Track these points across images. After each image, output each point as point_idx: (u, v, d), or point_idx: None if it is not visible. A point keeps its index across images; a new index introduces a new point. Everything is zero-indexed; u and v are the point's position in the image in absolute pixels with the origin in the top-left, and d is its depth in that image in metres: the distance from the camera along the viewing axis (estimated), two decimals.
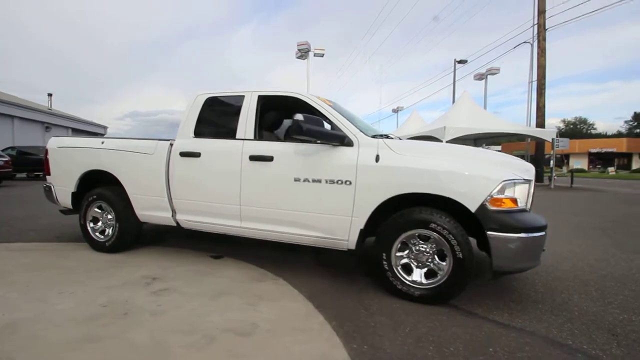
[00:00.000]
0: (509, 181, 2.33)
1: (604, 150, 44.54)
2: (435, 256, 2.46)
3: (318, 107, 2.86)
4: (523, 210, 2.40)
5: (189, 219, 3.24)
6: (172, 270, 3.04)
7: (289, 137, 3.54)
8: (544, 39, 16.40)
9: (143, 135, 3.79)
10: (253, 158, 2.89)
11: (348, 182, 2.58)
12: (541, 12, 16.29)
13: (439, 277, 2.43)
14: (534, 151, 17.96)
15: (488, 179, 2.32)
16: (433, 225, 2.38)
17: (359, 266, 3.35)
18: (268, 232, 2.93)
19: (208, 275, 2.94)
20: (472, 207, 2.31)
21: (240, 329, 2.02)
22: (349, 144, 2.66)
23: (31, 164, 15.58)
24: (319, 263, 3.41)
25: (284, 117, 3.68)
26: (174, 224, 3.35)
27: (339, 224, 2.64)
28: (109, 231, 3.62)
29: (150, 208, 3.39)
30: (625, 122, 62.94)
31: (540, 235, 2.36)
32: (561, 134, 15.96)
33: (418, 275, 2.50)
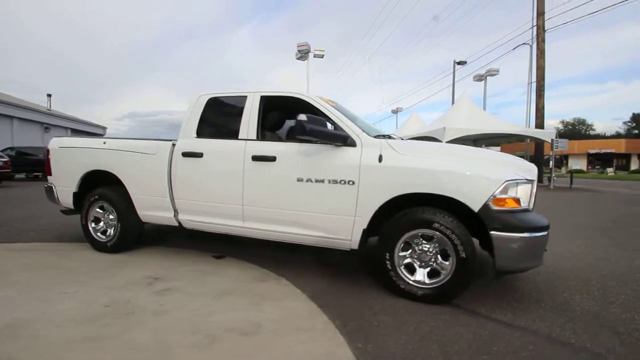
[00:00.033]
0: (512, 181, 2.34)
1: (603, 151, 44.67)
2: (438, 256, 2.46)
3: (321, 108, 2.87)
4: (526, 210, 2.41)
5: (191, 219, 3.24)
6: (174, 270, 3.04)
7: (291, 137, 3.56)
8: (543, 41, 16.44)
9: (142, 135, 3.79)
10: (256, 158, 2.90)
11: (351, 182, 2.59)
12: (540, 13, 16.34)
13: (442, 276, 2.44)
14: (534, 152, 17.99)
15: (491, 179, 2.33)
16: (436, 225, 2.38)
17: (361, 266, 3.35)
18: (271, 232, 2.93)
19: (210, 275, 2.94)
20: (475, 207, 2.32)
21: (244, 329, 2.02)
22: (352, 144, 2.66)
23: (30, 165, 15.56)
24: (320, 263, 3.42)
25: (286, 118, 3.69)
26: (176, 224, 3.35)
27: (342, 224, 2.64)
28: (110, 231, 3.61)
29: (152, 208, 3.39)
30: (624, 123, 63.26)
31: (543, 235, 2.37)
32: (560, 135, 16.01)
33: (421, 274, 2.50)
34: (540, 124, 16.37)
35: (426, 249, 2.49)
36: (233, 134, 3.10)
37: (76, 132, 28.78)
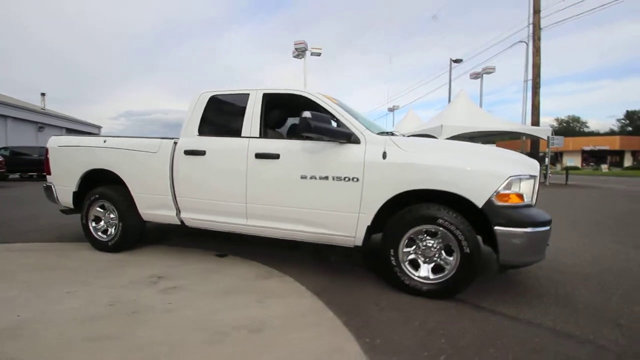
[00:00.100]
0: (515, 177, 2.36)
1: (597, 148, 45.05)
2: (442, 251, 2.48)
3: (324, 105, 2.87)
4: (529, 206, 2.44)
5: (193, 218, 3.24)
6: (177, 269, 3.03)
7: (296, 134, 3.56)
8: (539, 39, 16.54)
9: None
10: (259, 156, 2.89)
11: (355, 179, 2.60)
12: (536, 11, 16.44)
13: (446, 272, 2.46)
14: (529, 149, 18.13)
15: (495, 175, 2.35)
16: (440, 220, 2.40)
17: (365, 262, 3.37)
18: (274, 230, 2.93)
19: (214, 273, 2.94)
20: (479, 203, 2.34)
21: (252, 326, 2.02)
22: (356, 141, 2.67)
23: (25, 165, 15.43)
24: (323, 260, 3.43)
25: (288, 116, 3.68)
26: (179, 223, 3.35)
27: (346, 220, 2.65)
28: (111, 230, 3.59)
29: (154, 207, 3.38)
30: (618, 120, 63.85)
31: (546, 230, 2.40)
32: (555, 132, 16.13)
33: (425, 270, 2.52)
34: (536, 122, 16.49)
35: (430, 245, 2.51)
36: (235, 131, 3.10)
37: (71, 132, 28.54)
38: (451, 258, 2.45)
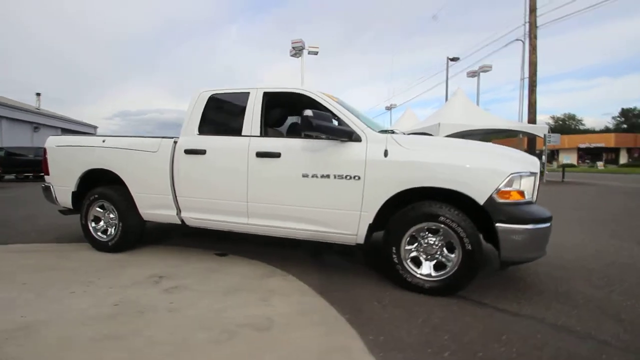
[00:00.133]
0: (516, 174, 2.38)
1: (593, 145, 45.37)
2: (444, 249, 2.50)
3: (325, 104, 2.87)
4: (529, 202, 2.45)
5: (194, 217, 3.23)
6: (179, 269, 3.02)
7: (293, 133, 3.56)
8: (535, 37, 16.62)
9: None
10: (260, 155, 2.89)
11: (357, 177, 2.60)
12: (532, 10, 16.51)
13: (448, 269, 2.47)
14: (526, 147, 18.22)
15: (496, 172, 2.36)
16: (442, 218, 2.41)
17: (366, 260, 3.38)
18: (276, 229, 2.93)
19: (217, 273, 2.93)
20: (481, 200, 2.35)
21: (258, 324, 2.02)
22: (357, 139, 2.67)
23: (20, 165, 15.31)
24: (324, 258, 3.43)
25: (288, 114, 3.68)
26: (179, 222, 3.34)
27: (348, 218, 2.66)
28: (111, 230, 3.58)
29: (154, 206, 3.37)
30: (613, 117, 64.32)
31: (547, 226, 2.41)
32: (551, 130, 16.23)
33: (427, 267, 2.53)
34: (532, 119, 16.58)
35: (432, 242, 2.52)
36: (236, 130, 3.09)
37: (66, 132, 28.31)
38: (453, 255, 2.46)
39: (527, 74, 17.15)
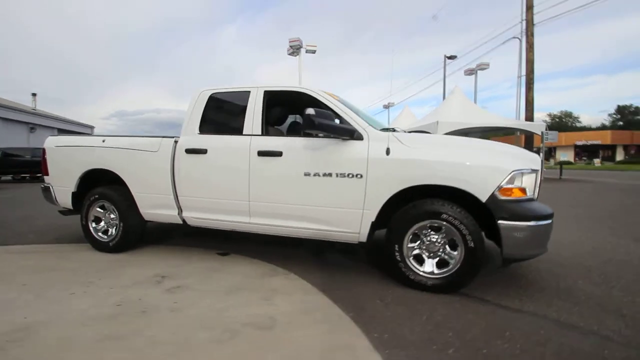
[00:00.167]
0: (518, 171, 2.39)
1: (590, 142, 45.61)
2: (447, 246, 2.50)
3: (326, 102, 2.86)
4: (531, 200, 2.46)
5: (196, 217, 3.22)
6: (181, 268, 3.02)
7: (294, 131, 3.55)
8: (532, 34, 16.65)
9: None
10: (262, 153, 2.89)
11: (359, 176, 2.60)
12: (529, 7, 16.54)
13: (451, 266, 2.48)
14: (524, 144, 18.28)
15: (498, 170, 2.37)
16: (444, 215, 2.42)
17: (368, 258, 3.38)
18: (278, 228, 2.93)
19: (218, 272, 2.93)
20: (483, 197, 2.36)
21: (261, 323, 2.02)
22: (359, 137, 2.67)
23: (17, 166, 15.20)
24: (326, 257, 3.44)
25: (289, 113, 3.67)
26: (180, 222, 3.33)
27: (351, 217, 2.66)
28: (112, 231, 3.56)
29: (155, 206, 3.36)
30: (609, 115, 64.64)
31: (548, 223, 2.43)
32: (548, 127, 16.29)
33: (430, 265, 2.54)
34: (530, 117, 16.62)
35: (434, 240, 2.52)
36: (237, 129, 3.08)
37: (63, 132, 28.14)
38: (455, 252, 2.47)
39: (524, 72, 17.22)
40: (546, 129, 15.21)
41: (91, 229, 3.61)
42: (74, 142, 3.75)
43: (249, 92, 3.13)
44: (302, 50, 18.55)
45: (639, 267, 3.14)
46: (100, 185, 3.64)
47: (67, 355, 1.72)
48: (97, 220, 3.63)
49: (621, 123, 59.34)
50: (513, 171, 2.37)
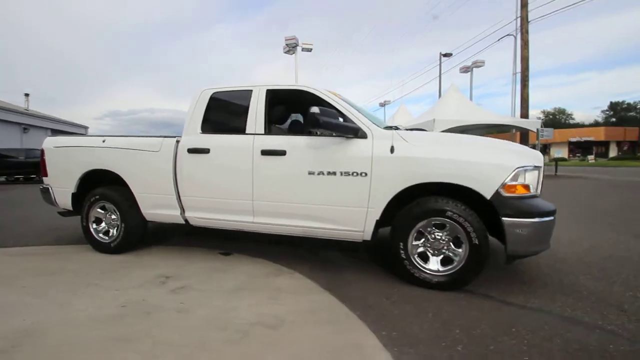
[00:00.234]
0: (521, 168, 2.41)
1: (584, 139, 46.04)
2: (451, 243, 2.52)
3: (330, 101, 2.86)
4: (534, 196, 2.49)
5: (199, 216, 3.21)
6: (184, 269, 3.01)
7: (295, 130, 3.55)
8: (527, 32, 16.75)
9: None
10: (265, 152, 2.88)
11: (364, 174, 2.61)
12: (524, 5, 16.62)
13: (455, 263, 2.50)
14: (519, 141, 18.41)
15: (502, 167, 2.39)
16: (449, 213, 2.43)
17: (372, 256, 3.39)
18: (282, 227, 2.93)
19: (222, 272, 2.92)
20: (488, 194, 2.37)
21: (270, 323, 2.03)
22: (363, 136, 2.68)
23: (11, 167, 15.01)
24: (329, 256, 3.44)
25: (291, 112, 3.67)
26: (183, 222, 3.31)
27: (355, 215, 2.67)
28: (113, 232, 3.54)
29: (157, 206, 3.34)
30: (602, 111, 65.31)
31: (551, 220, 2.45)
32: (543, 124, 16.43)
33: (434, 262, 2.55)
34: (525, 114, 16.74)
35: (439, 237, 2.54)
36: (239, 128, 3.07)
37: (56, 133, 27.82)
38: (460, 250, 2.48)
39: (519, 69, 17.32)
40: (541, 126, 15.35)
41: (92, 230, 3.58)
42: (74, 142, 3.71)
43: (251, 90, 3.12)
44: (299, 49, 18.50)
45: (638, 262, 3.18)
46: (101, 185, 3.61)
47: (75, 357, 1.70)
48: (98, 221, 3.60)
49: (614, 119, 59.99)
50: (517, 168, 2.39)
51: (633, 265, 3.08)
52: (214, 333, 1.91)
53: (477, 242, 2.39)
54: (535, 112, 64.15)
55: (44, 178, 3.82)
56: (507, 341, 1.84)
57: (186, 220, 3.29)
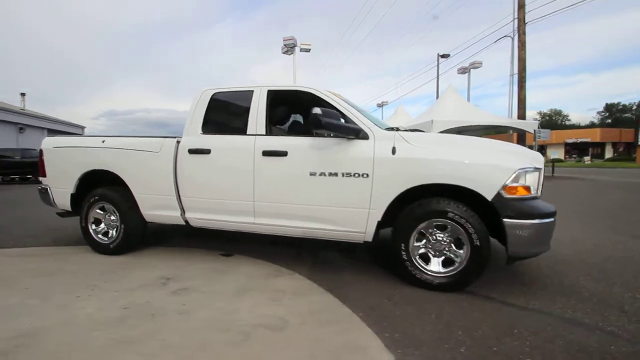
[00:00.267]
0: (522, 170, 2.42)
1: (580, 140, 46.33)
2: (452, 245, 2.53)
3: (331, 102, 2.86)
4: (535, 198, 2.50)
5: (199, 217, 3.20)
6: (184, 270, 3.00)
7: (295, 131, 3.55)
8: (524, 33, 16.83)
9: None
10: (266, 153, 2.88)
11: (365, 175, 2.61)
12: (521, 6, 16.71)
13: (457, 264, 2.50)
14: (516, 143, 18.50)
15: (503, 168, 2.40)
16: (450, 214, 2.44)
17: (372, 257, 3.39)
18: (283, 228, 2.92)
19: (223, 273, 2.92)
20: (489, 196, 2.38)
21: (272, 324, 2.02)
22: (365, 137, 2.68)
23: (7, 167, 14.88)
24: (330, 257, 3.44)
25: (292, 112, 3.66)
26: (183, 223, 3.30)
27: (357, 216, 2.67)
28: (112, 233, 3.52)
29: (157, 207, 3.32)
30: (598, 112, 65.83)
31: (551, 221, 2.47)
32: (539, 125, 16.52)
33: (436, 263, 2.56)
34: (522, 115, 16.82)
35: (440, 238, 2.54)
36: (240, 129, 3.07)
37: (53, 132, 27.62)
38: (461, 251, 2.49)
39: (516, 70, 17.40)
40: (538, 127, 15.44)
41: (91, 231, 3.56)
42: (73, 142, 3.69)
43: (252, 91, 3.11)
44: (297, 49, 18.50)
45: (638, 263, 3.20)
46: (100, 186, 3.59)
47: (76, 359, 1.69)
48: (97, 222, 3.58)
49: (609, 121, 60.47)
50: (518, 170, 2.40)
51: (633, 267, 3.10)
52: (215, 335, 1.91)
53: (478, 244, 2.40)
54: (531, 113, 64.48)
55: (43, 178, 3.79)
56: (510, 342, 1.85)
57: (186, 221, 3.28)
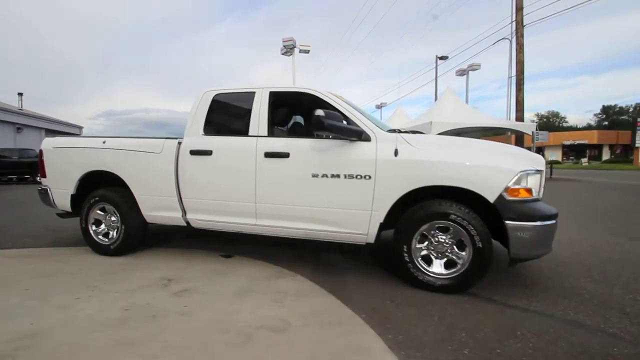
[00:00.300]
0: (524, 172, 2.43)
1: (577, 142, 46.59)
2: (454, 247, 2.53)
3: (333, 103, 2.87)
4: (536, 200, 2.51)
5: (200, 219, 3.19)
6: (185, 271, 2.99)
7: (296, 132, 3.55)
8: (522, 36, 16.91)
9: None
10: (268, 155, 2.87)
11: (367, 177, 2.61)
12: (519, 9, 16.79)
13: (459, 266, 2.51)
14: (514, 144, 18.57)
15: (505, 170, 2.41)
16: (453, 216, 2.44)
17: (374, 259, 3.39)
18: (285, 229, 2.92)
19: (224, 275, 2.91)
20: (491, 198, 2.39)
21: (274, 326, 2.02)
22: (367, 139, 2.68)
23: (5, 167, 14.81)
24: (331, 258, 3.44)
25: (293, 114, 3.66)
26: (184, 224, 3.29)
27: (359, 218, 2.67)
28: (113, 233, 3.51)
29: (158, 208, 3.31)
30: (595, 115, 66.19)
31: (553, 223, 2.48)
32: (537, 127, 16.60)
33: (438, 265, 2.56)
34: (520, 117, 16.88)
35: (442, 240, 2.55)
36: (242, 130, 3.06)
37: (51, 132, 27.53)
38: (463, 253, 2.49)
39: (514, 73, 17.47)
40: (536, 129, 15.51)
41: (91, 231, 3.54)
42: (73, 143, 3.67)
43: (254, 92, 3.11)
44: (296, 50, 18.52)
45: (637, 265, 3.22)
46: (101, 187, 3.58)
47: None
48: (98, 222, 3.57)
49: (606, 123, 60.81)
50: (520, 172, 2.40)
51: (632, 268, 3.12)
52: (217, 336, 1.90)
53: (480, 246, 2.41)
54: (529, 115, 64.76)
55: (43, 179, 3.77)
56: (513, 344, 1.85)
57: (187, 223, 3.27)
